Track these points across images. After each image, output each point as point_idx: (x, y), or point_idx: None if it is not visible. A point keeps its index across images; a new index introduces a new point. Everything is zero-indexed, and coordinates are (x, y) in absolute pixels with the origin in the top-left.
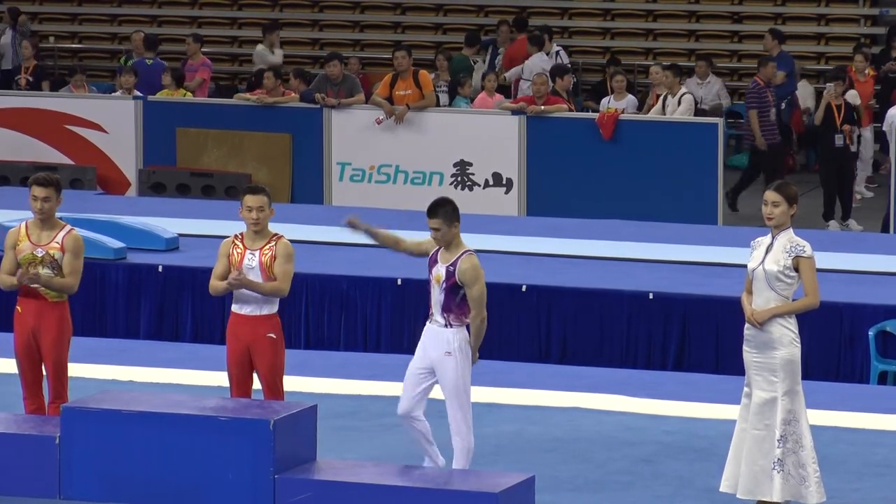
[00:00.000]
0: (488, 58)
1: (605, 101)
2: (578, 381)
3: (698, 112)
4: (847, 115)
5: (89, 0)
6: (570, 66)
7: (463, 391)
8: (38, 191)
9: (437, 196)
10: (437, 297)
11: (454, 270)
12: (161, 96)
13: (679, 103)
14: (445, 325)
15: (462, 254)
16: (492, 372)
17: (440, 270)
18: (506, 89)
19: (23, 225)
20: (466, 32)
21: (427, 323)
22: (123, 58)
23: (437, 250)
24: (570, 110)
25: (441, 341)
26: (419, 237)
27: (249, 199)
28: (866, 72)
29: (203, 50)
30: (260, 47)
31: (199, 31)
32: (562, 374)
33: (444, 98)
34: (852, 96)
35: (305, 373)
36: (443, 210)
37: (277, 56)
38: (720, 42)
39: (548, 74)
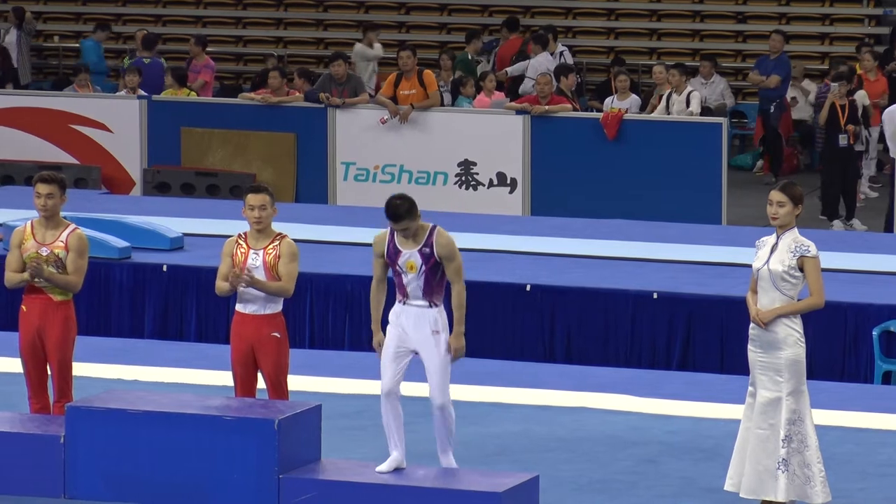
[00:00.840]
0: (492, 58)
1: (608, 100)
2: (583, 381)
3: (703, 111)
4: (851, 114)
5: (93, 0)
6: (574, 65)
7: (448, 365)
8: (42, 188)
9: (441, 196)
10: (414, 283)
11: (431, 251)
12: (165, 96)
13: (688, 101)
14: (429, 306)
15: (431, 231)
16: (496, 371)
17: (412, 258)
18: (502, 86)
19: (28, 224)
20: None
21: (400, 305)
22: (126, 58)
23: (392, 240)
24: (575, 109)
25: (426, 321)
26: (372, 268)
27: (251, 198)
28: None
29: (208, 49)
30: (359, 46)
31: (204, 30)
32: (566, 374)
33: (446, 98)
34: (861, 97)
35: (310, 372)
36: (406, 210)
37: (377, 50)
38: (724, 42)
39: (552, 74)
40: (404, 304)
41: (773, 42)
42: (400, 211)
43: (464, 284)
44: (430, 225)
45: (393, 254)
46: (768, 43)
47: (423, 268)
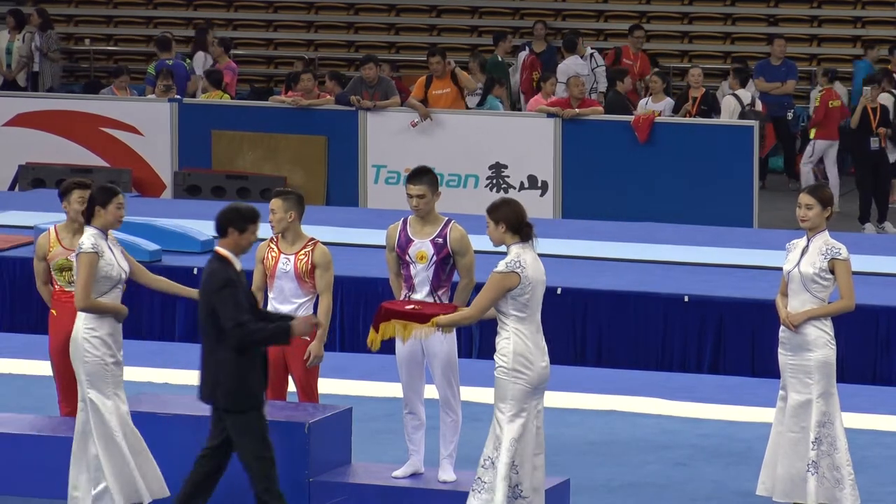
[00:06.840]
0: (517, 61)
1: (643, 102)
2: (614, 384)
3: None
4: (883, 117)
5: (125, 3)
6: (604, 67)
7: (454, 365)
8: (79, 194)
9: (472, 199)
10: (423, 275)
11: (444, 242)
12: (197, 99)
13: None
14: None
15: (447, 224)
16: None
17: (423, 247)
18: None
19: (51, 230)
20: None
21: None
22: (152, 66)
23: (404, 230)
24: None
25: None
26: (387, 264)
27: (271, 202)
28: None
29: (238, 52)
30: None
31: (235, 33)
32: (597, 377)
33: (476, 99)
34: (885, 99)
35: (340, 375)
36: (427, 177)
37: None
38: (756, 45)
39: (583, 78)
40: (408, 299)
41: (777, 47)
42: (422, 173)
43: (474, 280)
44: (446, 218)
45: (404, 243)
46: (771, 48)
47: (435, 258)
